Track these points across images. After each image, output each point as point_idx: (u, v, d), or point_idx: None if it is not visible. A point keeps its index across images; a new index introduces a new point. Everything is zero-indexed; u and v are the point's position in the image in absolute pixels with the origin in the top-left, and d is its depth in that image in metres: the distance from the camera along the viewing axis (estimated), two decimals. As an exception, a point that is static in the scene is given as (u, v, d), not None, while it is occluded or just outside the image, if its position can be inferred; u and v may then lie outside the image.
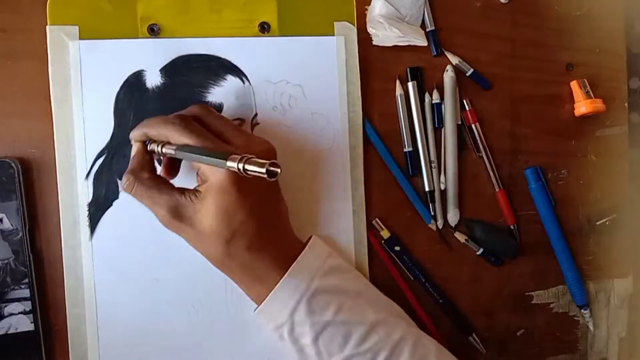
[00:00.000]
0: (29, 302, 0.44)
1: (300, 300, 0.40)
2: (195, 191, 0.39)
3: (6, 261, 0.43)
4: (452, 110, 0.52)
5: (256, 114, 0.47)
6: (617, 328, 0.57)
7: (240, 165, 0.32)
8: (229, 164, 0.33)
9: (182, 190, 0.39)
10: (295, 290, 0.40)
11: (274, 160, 0.32)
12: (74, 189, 0.44)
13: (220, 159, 0.34)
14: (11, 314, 0.43)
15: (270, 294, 0.40)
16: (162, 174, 0.42)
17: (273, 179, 0.32)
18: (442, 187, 0.52)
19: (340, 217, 0.49)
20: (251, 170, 0.32)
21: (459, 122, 0.52)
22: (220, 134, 0.40)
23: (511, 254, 0.53)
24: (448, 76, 0.52)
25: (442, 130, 0.52)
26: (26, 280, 0.44)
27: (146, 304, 0.45)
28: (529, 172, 0.53)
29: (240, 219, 0.38)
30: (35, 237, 0.44)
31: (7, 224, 0.43)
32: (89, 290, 0.44)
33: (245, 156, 0.32)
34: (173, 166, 0.43)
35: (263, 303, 0.40)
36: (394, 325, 0.42)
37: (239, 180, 0.37)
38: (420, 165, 0.51)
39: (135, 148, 0.42)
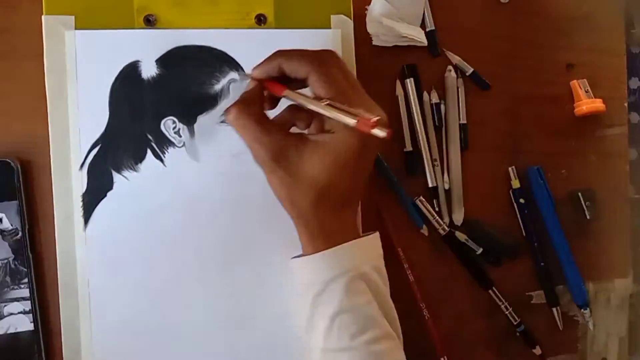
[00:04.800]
0: (29, 302, 0.44)
1: (343, 274, 0.39)
2: (301, 136, 0.39)
3: (6, 261, 0.43)
4: (454, 110, 0.52)
5: None
6: (617, 328, 0.57)
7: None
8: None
9: (288, 134, 0.40)
10: (345, 263, 0.40)
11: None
12: (68, 179, 0.44)
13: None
14: (11, 314, 0.43)
15: (321, 252, 0.40)
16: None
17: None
18: (446, 186, 0.52)
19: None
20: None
21: (463, 122, 0.52)
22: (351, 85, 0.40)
23: (511, 254, 0.53)
24: (450, 76, 0.52)
25: (443, 129, 0.52)
26: (26, 280, 0.44)
27: (140, 295, 0.45)
28: (530, 171, 0.53)
29: (342, 177, 0.39)
30: (35, 237, 0.44)
31: (6, 224, 0.43)
32: (82, 282, 0.44)
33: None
34: (275, 101, 0.43)
35: (311, 256, 0.40)
36: (400, 347, 0.42)
37: (363, 147, 0.38)
38: (423, 163, 0.51)
39: (251, 84, 0.41)
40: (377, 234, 0.44)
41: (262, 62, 0.41)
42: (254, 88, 0.41)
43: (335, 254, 0.40)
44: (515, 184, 0.53)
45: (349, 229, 0.41)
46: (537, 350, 0.53)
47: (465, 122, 0.52)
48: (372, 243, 0.43)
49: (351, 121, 0.35)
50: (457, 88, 0.52)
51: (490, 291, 0.52)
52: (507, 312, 0.52)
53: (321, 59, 0.40)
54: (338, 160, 0.38)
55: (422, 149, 0.51)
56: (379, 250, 0.44)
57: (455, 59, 0.52)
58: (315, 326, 0.40)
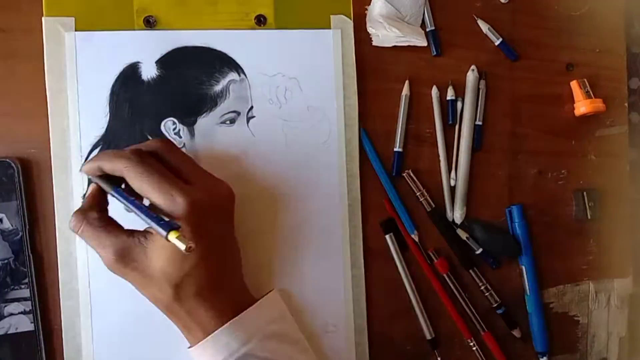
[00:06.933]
0: (29, 302, 0.44)
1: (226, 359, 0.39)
2: (145, 232, 0.38)
3: (6, 261, 0.43)
4: (472, 110, 0.52)
5: (252, 107, 0.48)
6: (617, 328, 0.57)
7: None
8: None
9: (131, 232, 0.38)
10: (225, 347, 0.39)
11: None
12: (68, 180, 0.44)
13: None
14: (11, 314, 0.43)
15: (199, 344, 0.39)
16: None
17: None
18: (452, 183, 0.52)
19: (336, 211, 0.49)
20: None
21: (479, 123, 0.52)
22: (179, 172, 0.39)
23: (511, 253, 0.53)
24: (472, 75, 0.52)
25: (456, 127, 0.52)
26: (26, 281, 0.44)
27: (140, 296, 0.45)
28: (515, 209, 0.53)
29: (192, 262, 0.37)
30: (35, 237, 0.44)
31: (7, 224, 0.43)
32: (82, 282, 0.44)
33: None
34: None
35: (192, 349, 0.40)
36: None
37: (194, 223, 0.37)
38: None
39: (90, 188, 0.40)
40: (265, 298, 0.42)
41: (86, 162, 0.40)
42: (90, 192, 0.40)
43: (211, 342, 0.39)
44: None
45: (226, 310, 0.39)
46: (517, 332, 0.53)
47: (481, 123, 0.52)
48: (261, 311, 0.41)
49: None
50: (479, 89, 0.52)
51: (471, 271, 0.52)
52: (487, 294, 0.52)
53: (134, 155, 0.38)
54: (174, 249, 0.36)
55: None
56: (272, 313, 0.42)
57: (486, 26, 0.52)
58: None
